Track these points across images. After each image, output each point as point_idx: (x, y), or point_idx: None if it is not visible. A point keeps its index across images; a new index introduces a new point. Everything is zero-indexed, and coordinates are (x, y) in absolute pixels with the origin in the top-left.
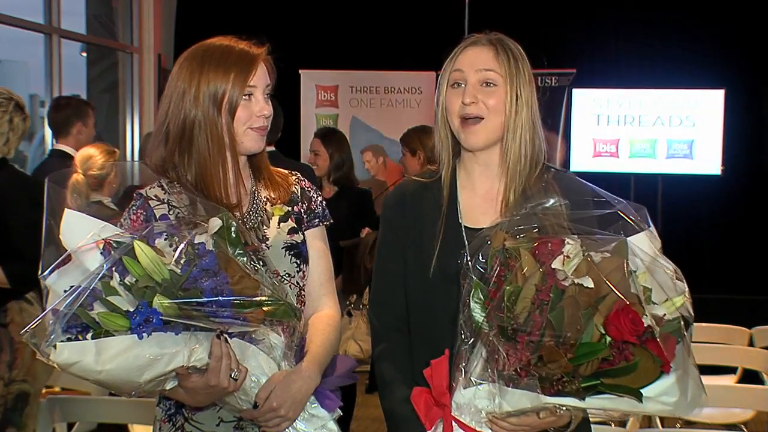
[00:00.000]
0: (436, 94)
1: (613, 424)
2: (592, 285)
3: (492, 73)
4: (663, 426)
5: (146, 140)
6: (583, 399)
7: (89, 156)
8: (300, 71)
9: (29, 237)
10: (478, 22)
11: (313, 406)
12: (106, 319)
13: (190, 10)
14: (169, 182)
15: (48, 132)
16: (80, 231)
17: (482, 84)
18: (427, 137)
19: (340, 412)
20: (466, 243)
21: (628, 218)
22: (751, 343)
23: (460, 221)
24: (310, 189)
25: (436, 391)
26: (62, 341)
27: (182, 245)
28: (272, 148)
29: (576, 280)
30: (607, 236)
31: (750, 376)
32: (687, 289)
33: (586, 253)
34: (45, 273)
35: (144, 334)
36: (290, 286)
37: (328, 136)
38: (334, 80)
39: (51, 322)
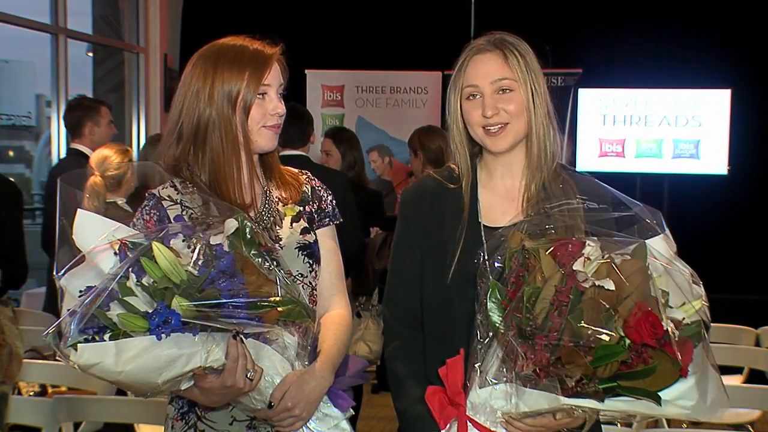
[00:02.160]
0: (447, 104)
1: (619, 424)
2: (613, 287)
3: (506, 80)
4: (669, 426)
5: (147, 148)
6: (602, 401)
7: (105, 157)
8: (306, 71)
9: (12, 238)
10: (484, 23)
11: (326, 405)
12: (125, 320)
13: (196, 10)
14: (182, 182)
15: (55, 132)
16: (93, 231)
17: (498, 92)
18: (427, 138)
19: (352, 412)
20: (485, 242)
21: (645, 221)
22: (757, 343)
23: (479, 220)
24: (320, 188)
25: (450, 390)
26: (81, 342)
27: (199, 246)
28: (299, 152)
29: (597, 282)
30: (625, 238)
31: (756, 376)
32: (704, 293)
33: (607, 256)
34: (60, 273)
35: (163, 335)
36: (303, 286)
37: (339, 135)
38: (339, 80)
39: (68, 323)
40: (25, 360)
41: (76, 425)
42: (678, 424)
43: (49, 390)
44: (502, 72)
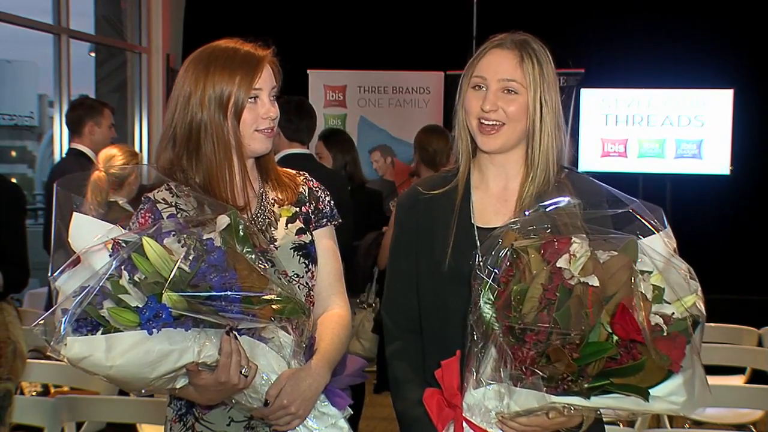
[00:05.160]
0: (459, 89)
1: (621, 424)
2: (597, 284)
3: (514, 83)
4: (672, 426)
5: None
6: (589, 398)
7: (111, 155)
8: (308, 71)
9: (13, 242)
10: (486, 23)
11: (323, 404)
12: (115, 315)
13: (198, 10)
14: (177, 185)
15: (57, 132)
16: (89, 234)
17: (503, 91)
18: (428, 138)
19: (350, 411)
20: (478, 243)
21: (641, 217)
22: (760, 344)
23: (472, 222)
24: (318, 189)
25: (447, 392)
26: (72, 337)
27: (190, 242)
28: (306, 150)
29: (582, 279)
30: (620, 236)
31: (759, 377)
32: (699, 287)
33: (591, 252)
34: (55, 274)
35: (154, 330)
36: (299, 286)
37: (331, 138)
38: (342, 80)
39: (60, 320)
40: (27, 360)
41: (79, 425)
42: (681, 424)
43: (52, 390)
44: (513, 73)
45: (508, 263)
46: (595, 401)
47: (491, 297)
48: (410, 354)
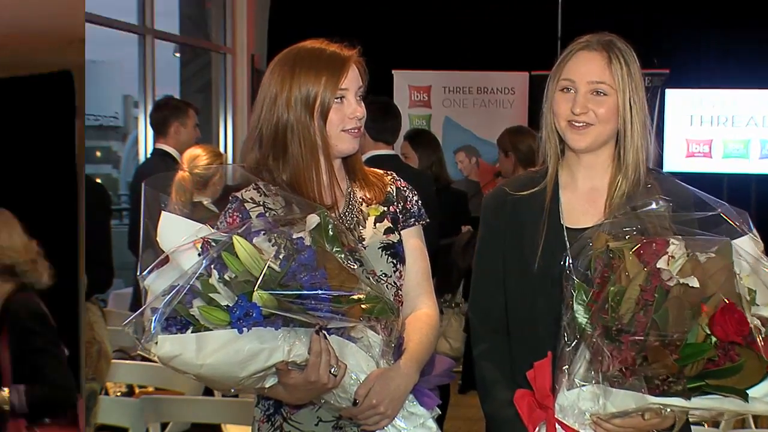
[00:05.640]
0: (546, 91)
1: (706, 425)
2: (697, 285)
3: (604, 85)
4: (756, 426)
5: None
6: (689, 399)
7: (195, 155)
8: (393, 71)
9: (98, 241)
10: (570, 23)
11: (412, 404)
12: (206, 313)
13: (283, 10)
14: (265, 184)
15: (142, 132)
16: (177, 233)
17: (593, 93)
18: (518, 138)
19: (438, 411)
20: (567, 244)
21: (729, 220)
22: None
23: (561, 222)
24: (405, 189)
25: (539, 393)
26: (163, 335)
27: (281, 241)
28: (391, 151)
29: (681, 280)
30: (710, 237)
31: None
32: None
33: (691, 253)
34: (144, 273)
35: (244, 329)
36: (387, 286)
37: (416, 138)
38: (427, 80)
39: (150, 319)
40: (112, 360)
41: (164, 425)
42: (766, 425)
43: (136, 390)
44: (602, 75)
45: (603, 265)
46: (695, 402)
47: (584, 299)
48: (498, 355)
